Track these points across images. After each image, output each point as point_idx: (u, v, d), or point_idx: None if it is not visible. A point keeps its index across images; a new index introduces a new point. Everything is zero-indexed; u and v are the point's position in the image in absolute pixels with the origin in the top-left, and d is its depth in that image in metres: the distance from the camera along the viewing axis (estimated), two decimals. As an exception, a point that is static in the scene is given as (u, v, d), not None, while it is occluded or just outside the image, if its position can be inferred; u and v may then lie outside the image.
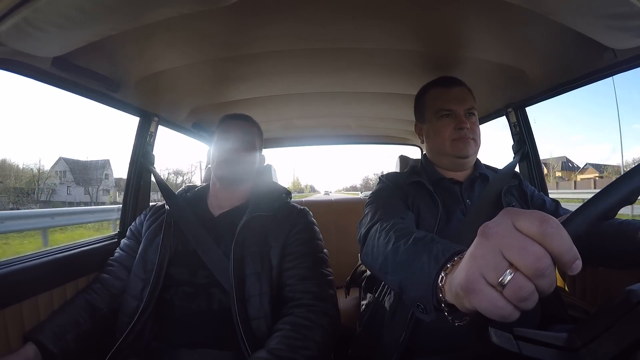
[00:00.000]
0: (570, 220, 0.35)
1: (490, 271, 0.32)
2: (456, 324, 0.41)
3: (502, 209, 0.91)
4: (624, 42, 0.72)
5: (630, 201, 0.36)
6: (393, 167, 1.45)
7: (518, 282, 0.30)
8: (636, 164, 0.37)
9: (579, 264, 0.31)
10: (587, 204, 0.35)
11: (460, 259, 0.42)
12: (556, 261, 0.31)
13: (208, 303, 0.88)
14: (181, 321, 0.88)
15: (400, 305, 0.83)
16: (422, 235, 0.58)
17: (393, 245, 0.61)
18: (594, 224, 0.35)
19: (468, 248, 0.37)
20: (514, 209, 0.33)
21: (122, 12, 0.62)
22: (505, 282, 0.31)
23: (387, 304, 0.89)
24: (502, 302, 0.31)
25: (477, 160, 1.00)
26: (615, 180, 0.37)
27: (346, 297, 1.37)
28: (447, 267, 0.43)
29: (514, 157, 1.24)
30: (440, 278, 0.43)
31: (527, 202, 0.94)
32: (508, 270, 0.31)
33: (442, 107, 0.94)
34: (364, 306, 1.08)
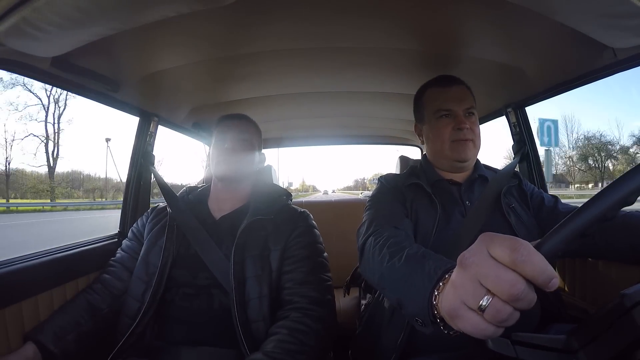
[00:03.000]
0: (545, 241, 0.36)
1: (470, 298, 0.35)
2: (452, 335, 0.43)
3: (500, 211, 0.91)
4: (624, 41, 0.72)
5: (607, 218, 0.36)
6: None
7: (496, 307, 0.33)
8: (616, 179, 0.37)
9: (555, 283, 0.33)
10: (564, 224, 0.36)
11: (450, 276, 0.44)
12: (532, 283, 0.33)
13: (209, 303, 0.88)
14: (182, 320, 0.88)
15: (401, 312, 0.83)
16: (414, 251, 0.61)
17: (387, 263, 0.63)
18: (572, 242, 0.36)
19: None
20: (489, 234, 0.36)
21: (122, 12, 0.62)
22: (484, 307, 0.34)
23: (386, 305, 0.89)
24: (484, 324, 0.34)
25: (477, 161, 0.99)
26: (591, 199, 0.37)
27: (345, 297, 1.37)
28: (439, 287, 0.45)
29: (514, 158, 1.24)
30: (434, 297, 0.45)
31: (527, 201, 0.94)
32: (486, 297, 0.34)
33: (440, 107, 0.92)
34: (363, 306, 1.08)
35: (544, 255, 0.33)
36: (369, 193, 1.05)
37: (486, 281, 0.34)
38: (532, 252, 0.33)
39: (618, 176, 0.37)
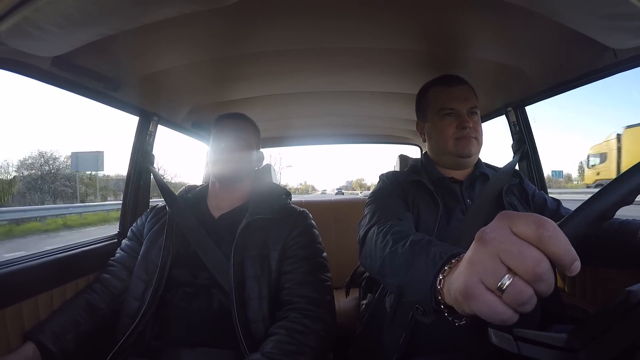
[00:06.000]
0: (567, 221, 0.35)
1: (489, 277, 0.32)
2: (456, 324, 0.41)
3: (502, 209, 0.91)
4: (624, 42, 0.72)
5: (628, 202, 0.35)
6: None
7: (517, 287, 0.31)
8: (636, 163, 0.37)
9: (577, 265, 0.31)
10: (585, 205, 0.35)
11: (458, 261, 0.42)
12: (554, 264, 0.31)
13: (208, 303, 0.88)
14: (181, 320, 0.88)
15: (400, 306, 0.83)
16: (419, 237, 0.59)
17: (390, 249, 0.61)
18: (592, 225, 0.35)
19: (465, 249, 0.37)
20: (510, 212, 0.34)
21: (122, 12, 0.62)
22: (504, 287, 0.31)
23: (387, 304, 0.89)
24: (502, 307, 0.32)
25: (478, 159, 0.99)
26: (613, 181, 0.36)
27: (346, 297, 1.37)
28: (445, 270, 0.43)
29: (513, 157, 1.24)
30: (438, 281, 0.43)
31: (528, 201, 0.94)
32: (507, 275, 0.31)
33: (444, 106, 0.93)
34: (364, 306, 1.08)
35: (566, 235, 0.31)
36: (367, 193, 1.05)
37: (508, 258, 0.31)
38: (557, 229, 0.31)
39: None
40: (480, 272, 0.33)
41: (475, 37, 0.92)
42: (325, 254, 0.99)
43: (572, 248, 0.31)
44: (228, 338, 0.83)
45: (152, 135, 1.31)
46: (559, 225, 0.33)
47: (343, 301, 1.53)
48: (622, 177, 0.36)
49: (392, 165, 1.57)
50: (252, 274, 0.88)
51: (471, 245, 0.35)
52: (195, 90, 1.27)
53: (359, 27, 0.89)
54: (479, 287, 0.33)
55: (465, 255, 0.36)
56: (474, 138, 0.91)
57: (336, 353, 1.13)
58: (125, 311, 0.90)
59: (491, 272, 0.32)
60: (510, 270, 0.31)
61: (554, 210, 0.91)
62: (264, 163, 1.20)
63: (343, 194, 36.87)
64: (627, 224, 0.74)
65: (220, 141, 1.00)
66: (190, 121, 1.53)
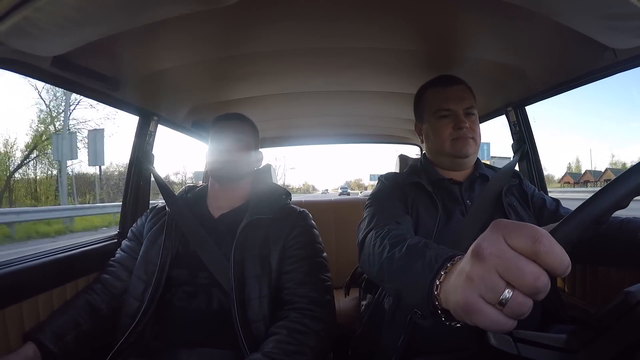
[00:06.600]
0: (561, 227, 0.35)
1: (489, 292, 0.32)
2: (454, 325, 0.41)
3: (501, 210, 0.90)
4: (624, 42, 0.72)
5: (622, 206, 0.35)
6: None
7: (518, 301, 0.31)
8: (630, 167, 0.37)
9: (569, 270, 0.31)
10: (578, 210, 0.35)
11: (453, 264, 0.42)
12: (548, 273, 0.31)
13: (207, 303, 0.88)
14: (180, 321, 0.88)
15: (399, 307, 0.83)
16: (416, 241, 0.59)
17: (388, 254, 0.61)
18: (586, 230, 0.35)
19: (464, 252, 0.37)
20: (504, 222, 0.34)
21: (122, 12, 0.62)
22: (505, 301, 0.31)
23: (386, 305, 0.89)
24: (504, 319, 0.32)
25: (477, 160, 0.99)
26: (606, 185, 0.36)
27: (345, 297, 1.37)
28: (441, 275, 0.43)
29: (513, 156, 1.24)
30: (435, 287, 0.43)
31: (528, 202, 0.94)
32: (507, 290, 0.31)
33: (440, 107, 0.93)
34: (363, 307, 1.08)
35: (559, 242, 0.31)
36: (367, 193, 1.05)
37: (507, 274, 0.31)
38: (553, 242, 0.31)
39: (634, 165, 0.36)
40: (480, 288, 0.33)
41: (475, 37, 0.92)
42: (325, 253, 0.99)
43: (567, 256, 0.31)
44: (228, 338, 0.83)
45: (152, 135, 1.31)
46: (553, 229, 0.34)
47: (343, 301, 1.53)
48: (616, 181, 0.36)
49: (389, 165, 1.57)
50: (252, 273, 0.88)
51: (467, 258, 0.35)
52: (196, 89, 1.27)
53: (359, 28, 0.88)
54: (479, 302, 0.33)
55: (462, 268, 0.36)
56: (470, 138, 0.91)
57: (336, 353, 1.13)
58: (125, 311, 0.90)
59: (491, 288, 0.32)
60: (509, 284, 0.32)
61: (553, 210, 0.91)
62: (267, 164, 1.20)
63: (349, 194, 31.60)
64: (627, 222, 0.74)
65: (218, 142, 1.00)
66: (191, 121, 1.53)
